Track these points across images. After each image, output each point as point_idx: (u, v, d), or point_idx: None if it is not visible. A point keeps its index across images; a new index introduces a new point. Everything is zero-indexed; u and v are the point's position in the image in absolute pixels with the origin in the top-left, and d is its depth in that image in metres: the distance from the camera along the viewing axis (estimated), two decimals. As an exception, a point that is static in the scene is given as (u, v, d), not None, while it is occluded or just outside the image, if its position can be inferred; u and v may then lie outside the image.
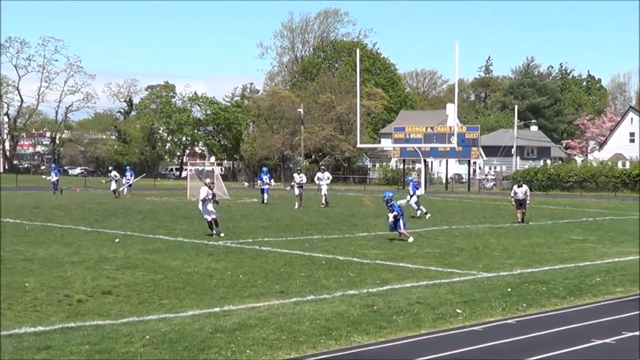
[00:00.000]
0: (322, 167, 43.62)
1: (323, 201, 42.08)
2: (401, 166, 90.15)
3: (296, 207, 39.93)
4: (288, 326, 11.53)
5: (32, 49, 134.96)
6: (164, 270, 17.09)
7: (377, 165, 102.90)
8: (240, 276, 16.42)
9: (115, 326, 11.39)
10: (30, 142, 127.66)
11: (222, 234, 24.58)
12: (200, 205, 24.95)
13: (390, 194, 25.14)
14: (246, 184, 64.24)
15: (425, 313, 12.78)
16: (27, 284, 14.93)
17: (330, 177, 44.69)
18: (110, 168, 58.68)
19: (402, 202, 30.52)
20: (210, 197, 24.67)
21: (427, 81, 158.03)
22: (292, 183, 43.81)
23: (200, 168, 65.03)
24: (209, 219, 24.64)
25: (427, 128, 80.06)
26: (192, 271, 17.09)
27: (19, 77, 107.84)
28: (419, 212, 35.19)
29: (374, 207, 40.82)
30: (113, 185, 52.28)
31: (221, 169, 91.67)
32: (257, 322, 11.73)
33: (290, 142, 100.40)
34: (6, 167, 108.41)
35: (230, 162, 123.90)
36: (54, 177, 52.00)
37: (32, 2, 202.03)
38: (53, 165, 60.60)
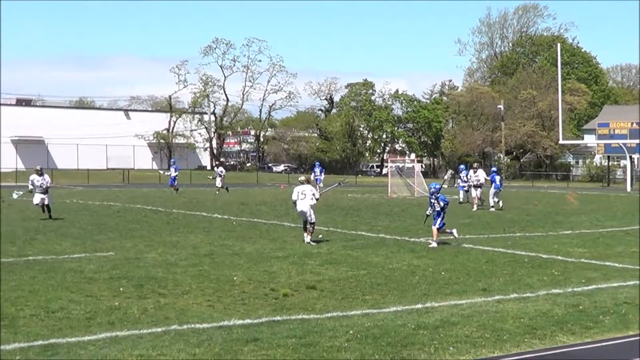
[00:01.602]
0: (475, 166, 41.41)
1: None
2: (605, 163, 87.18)
3: (474, 208, 36.69)
4: (491, 324, 11.42)
5: (237, 50, 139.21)
6: (367, 266, 17.29)
7: (580, 162, 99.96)
8: (442, 273, 16.39)
9: (320, 320, 11.62)
10: (236, 140, 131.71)
11: (306, 241, 21.81)
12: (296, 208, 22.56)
13: (438, 186, 22.87)
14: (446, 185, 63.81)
15: (634, 314, 12.33)
16: (235, 278, 15.48)
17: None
18: (216, 164, 57.67)
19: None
20: (304, 196, 22.11)
21: (634, 75, 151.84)
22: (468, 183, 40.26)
23: (400, 165, 65.17)
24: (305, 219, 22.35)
25: (632, 123, 76.91)
26: (394, 267, 17.20)
27: (225, 77, 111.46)
28: (491, 203, 35.34)
29: (578, 205, 39.73)
30: (218, 182, 51.04)
31: (421, 166, 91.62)
32: (459, 320, 11.68)
33: (491, 139, 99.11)
34: (213, 164, 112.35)
35: (431, 159, 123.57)
36: (173, 173, 51.35)
37: (239, 2, 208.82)
38: (172, 160, 60.80)
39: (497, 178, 37.38)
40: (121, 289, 14.11)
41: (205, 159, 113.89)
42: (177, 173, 50.95)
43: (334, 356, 9.69)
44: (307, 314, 12.10)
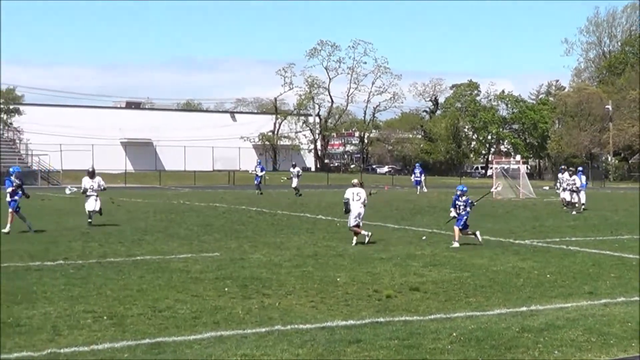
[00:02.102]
0: (562, 168, 40.32)
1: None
2: None
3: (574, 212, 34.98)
4: (597, 328, 11.20)
5: (343, 52, 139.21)
6: (470, 268, 17.15)
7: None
8: (548, 276, 16.14)
9: (423, 322, 11.57)
10: (340, 142, 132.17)
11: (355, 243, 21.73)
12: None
13: (465, 188, 22.97)
14: (546, 187, 62.29)
15: None
16: (338, 279, 15.53)
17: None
18: (293, 164, 56.07)
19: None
20: (359, 197, 22.26)
21: None
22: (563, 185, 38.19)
23: (505, 166, 64.29)
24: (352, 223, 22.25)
25: None
26: (498, 270, 17.01)
27: (330, 79, 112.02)
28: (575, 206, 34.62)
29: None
30: (294, 183, 50.63)
31: (527, 167, 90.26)
32: (565, 323, 11.49)
33: (598, 140, 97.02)
34: (317, 165, 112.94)
35: (536, 161, 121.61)
36: (259, 172, 51.60)
37: (344, 3, 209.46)
38: (258, 160, 60.11)
39: (583, 178, 36.97)
40: (226, 289, 14.32)
41: (310, 161, 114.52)
42: (262, 173, 51.48)
43: (436, 358, 9.65)
44: (410, 315, 12.07)
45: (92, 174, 27.83)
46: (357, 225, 22.09)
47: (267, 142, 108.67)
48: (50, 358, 9.46)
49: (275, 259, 18.57)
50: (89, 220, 26.77)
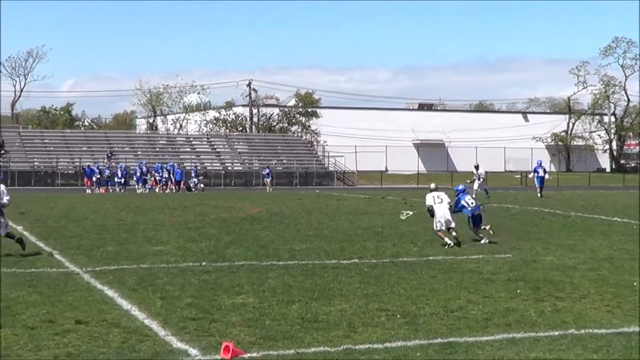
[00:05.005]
0: None
1: None
2: None
3: None
4: None
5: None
6: None
7: None
8: None
9: None
10: (637, 142, 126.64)
11: None
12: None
13: (462, 187, 23.12)
14: None
15: None
16: (635, 283, 14.96)
17: None
18: (475, 165, 51.57)
19: None
20: (440, 200, 21.71)
21: None
22: None
23: None
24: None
25: None
26: None
27: (626, 77, 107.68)
28: None
29: None
30: (476, 185, 47.37)
31: None
32: None
33: None
34: (613, 166, 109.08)
35: None
36: (541, 173, 48.25)
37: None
38: (539, 160, 55.17)
39: None
40: (518, 290, 14.21)
41: (605, 161, 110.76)
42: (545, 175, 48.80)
43: None
44: None
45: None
46: (449, 229, 21.36)
47: (560, 143, 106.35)
48: (346, 354, 9.82)
49: (569, 261, 18.19)
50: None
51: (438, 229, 21.47)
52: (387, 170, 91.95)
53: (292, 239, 22.89)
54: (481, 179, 48.85)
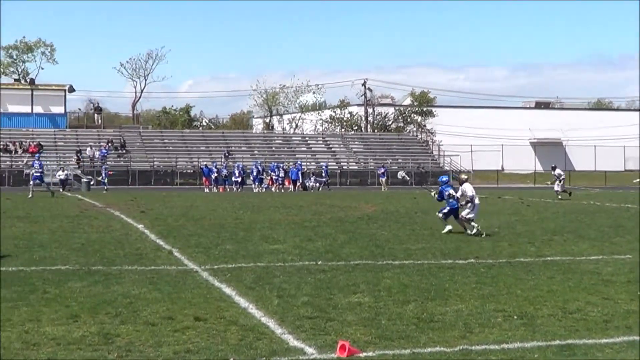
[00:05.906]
0: None
1: None
2: None
3: None
4: None
5: None
6: None
7: None
8: None
9: None
10: None
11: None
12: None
13: (445, 178, 24.69)
14: None
15: None
16: None
17: None
18: (552, 166, 49.36)
19: None
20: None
21: None
22: None
23: None
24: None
25: None
26: None
27: None
28: None
29: None
30: (557, 187, 46.49)
31: None
32: None
33: None
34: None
35: None
36: None
37: None
38: None
39: None
40: (638, 292, 13.88)
41: None
42: None
43: None
44: None
45: None
46: (468, 220, 23.28)
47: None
48: (463, 354, 9.78)
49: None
50: None
51: (472, 218, 23.37)
52: (503, 169, 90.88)
53: (407, 238, 22.85)
54: (561, 180, 48.04)
